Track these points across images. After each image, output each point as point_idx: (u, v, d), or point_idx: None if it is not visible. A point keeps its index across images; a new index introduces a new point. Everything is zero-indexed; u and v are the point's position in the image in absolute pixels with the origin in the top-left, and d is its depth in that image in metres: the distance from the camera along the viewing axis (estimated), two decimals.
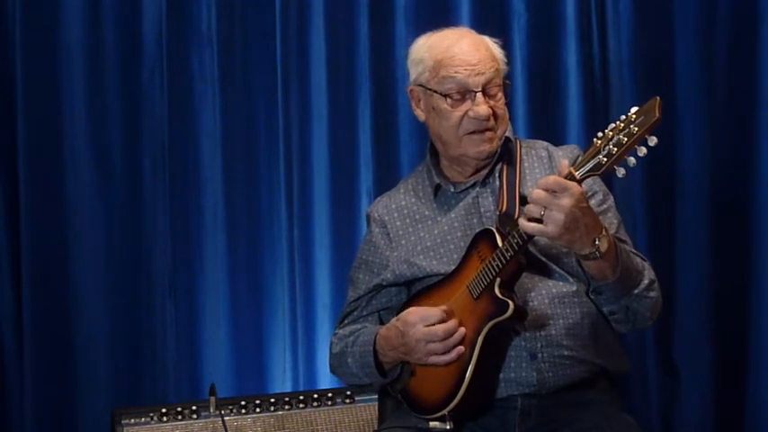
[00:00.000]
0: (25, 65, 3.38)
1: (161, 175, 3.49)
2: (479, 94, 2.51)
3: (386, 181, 3.42)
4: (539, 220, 2.19)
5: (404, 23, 3.58)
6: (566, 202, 2.15)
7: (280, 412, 3.11)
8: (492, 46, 2.60)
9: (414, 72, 2.61)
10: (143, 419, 3.06)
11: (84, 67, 3.45)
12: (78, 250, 3.44)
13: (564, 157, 2.53)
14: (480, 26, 3.56)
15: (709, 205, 3.60)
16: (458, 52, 2.53)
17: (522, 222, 2.21)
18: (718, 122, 3.61)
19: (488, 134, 2.54)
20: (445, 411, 2.38)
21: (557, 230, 2.16)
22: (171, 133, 3.50)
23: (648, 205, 3.61)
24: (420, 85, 2.59)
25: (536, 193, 2.17)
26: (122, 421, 3.05)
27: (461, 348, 2.38)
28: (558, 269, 2.47)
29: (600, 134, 2.17)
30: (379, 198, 2.75)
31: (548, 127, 3.56)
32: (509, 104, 3.56)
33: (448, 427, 2.38)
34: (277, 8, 3.54)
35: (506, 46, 3.58)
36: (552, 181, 2.17)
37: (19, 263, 3.39)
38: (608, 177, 3.35)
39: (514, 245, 2.31)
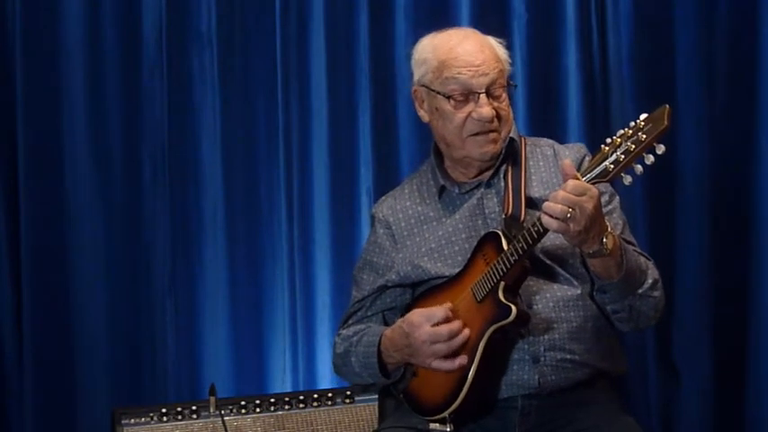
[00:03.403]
0: (25, 65, 3.38)
1: (161, 175, 3.49)
2: (483, 96, 2.48)
3: (386, 181, 3.42)
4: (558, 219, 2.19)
5: (404, 23, 3.58)
6: (590, 204, 2.17)
7: (280, 412, 3.11)
8: (496, 47, 2.56)
9: (417, 72, 2.57)
10: (143, 419, 3.06)
11: (84, 67, 3.44)
12: (78, 250, 3.44)
13: (569, 156, 2.52)
14: (480, 26, 3.56)
15: (710, 205, 3.60)
16: (461, 53, 2.50)
17: (547, 219, 2.19)
18: (719, 122, 3.61)
19: (492, 135, 2.51)
20: (446, 414, 2.38)
21: (577, 229, 2.17)
22: (171, 133, 3.49)
23: (648, 205, 3.61)
24: (424, 86, 2.56)
25: (562, 195, 2.17)
26: (122, 421, 3.05)
27: (464, 359, 2.37)
28: (563, 272, 2.46)
29: (608, 140, 2.17)
30: (383, 198, 2.72)
31: (548, 127, 3.55)
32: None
33: (448, 429, 2.38)
34: (277, 8, 3.54)
35: (506, 46, 3.62)
36: (574, 185, 2.17)
37: (19, 263, 3.39)
38: None
39: (519, 249, 2.31)
